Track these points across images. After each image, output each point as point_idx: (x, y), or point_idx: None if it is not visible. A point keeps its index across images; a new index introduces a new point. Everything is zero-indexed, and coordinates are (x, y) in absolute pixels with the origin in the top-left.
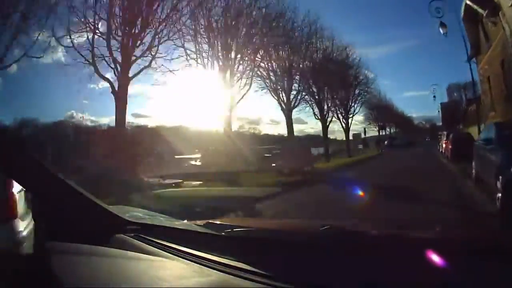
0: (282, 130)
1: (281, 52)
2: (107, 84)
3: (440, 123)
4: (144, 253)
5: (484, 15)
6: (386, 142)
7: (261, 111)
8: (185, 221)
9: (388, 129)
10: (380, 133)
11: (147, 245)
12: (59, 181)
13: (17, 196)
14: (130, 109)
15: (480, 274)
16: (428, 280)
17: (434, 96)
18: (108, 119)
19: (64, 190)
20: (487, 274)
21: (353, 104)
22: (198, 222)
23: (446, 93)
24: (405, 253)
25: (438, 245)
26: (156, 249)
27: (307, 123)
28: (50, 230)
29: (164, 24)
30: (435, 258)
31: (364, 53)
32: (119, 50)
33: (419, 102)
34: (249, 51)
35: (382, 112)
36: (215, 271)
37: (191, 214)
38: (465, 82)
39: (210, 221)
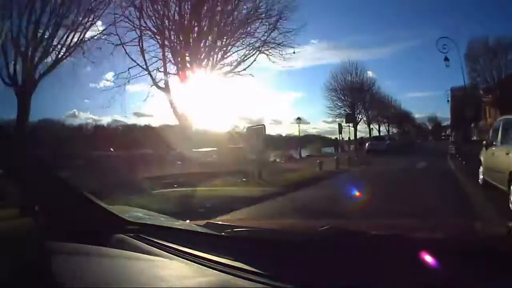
0: (284, 129)
1: None
2: (108, 84)
3: (447, 123)
4: (144, 253)
5: None
6: (366, 146)
7: (264, 111)
8: (186, 221)
9: (376, 126)
10: (357, 131)
11: (147, 245)
12: (59, 181)
13: None
14: (132, 107)
15: (481, 276)
16: (428, 281)
17: (447, 59)
18: (110, 118)
19: (64, 190)
20: (487, 276)
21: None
22: (198, 222)
23: (464, 62)
24: (405, 253)
25: (438, 246)
26: (156, 249)
27: (310, 123)
28: (50, 230)
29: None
30: (436, 259)
31: (368, 53)
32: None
33: (422, 102)
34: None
35: (357, 96)
36: (215, 271)
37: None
38: (500, 36)
39: (210, 221)
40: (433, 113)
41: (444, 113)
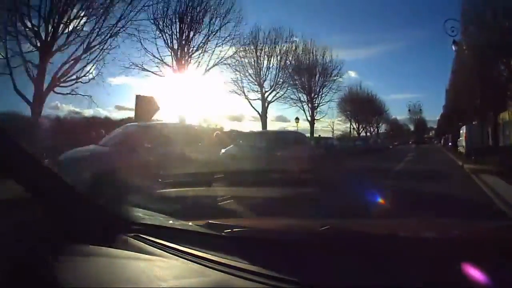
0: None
1: None
2: (90, 76)
3: (432, 125)
4: (144, 253)
5: None
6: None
7: (244, 108)
8: (185, 221)
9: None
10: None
11: (147, 245)
12: (59, 181)
13: None
14: (114, 101)
15: (481, 275)
16: (428, 280)
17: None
18: (92, 111)
19: (64, 190)
20: (488, 276)
21: None
22: (198, 222)
23: None
24: (406, 253)
25: (438, 245)
26: (156, 249)
27: (290, 121)
28: (51, 230)
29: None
30: (435, 258)
31: (351, 53)
32: None
33: (406, 105)
34: None
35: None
36: (215, 271)
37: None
38: None
39: (210, 221)
40: (417, 103)
41: (429, 116)
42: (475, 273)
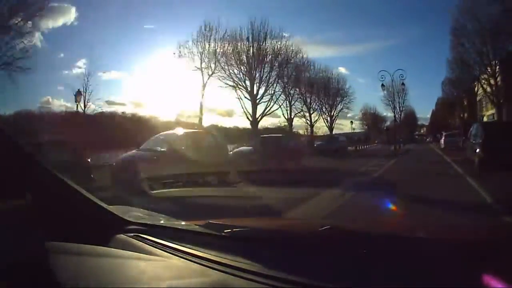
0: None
1: None
2: (81, 70)
3: (424, 122)
4: (144, 253)
5: None
6: None
7: (232, 104)
8: (185, 221)
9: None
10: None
11: (147, 245)
12: (59, 181)
13: None
14: (105, 95)
15: (481, 276)
16: (428, 281)
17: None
18: (82, 105)
19: (64, 190)
20: (487, 276)
21: None
22: (198, 222)
23: None
24: (406, 253)
25: (439, 246)
26: (156, 249)
27: (280, 116)
28: (50, 230)
29: None
30: (436, 259)
31: (342, 50)
32: None
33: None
34: None
35: None
36: (215, 271)
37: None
38: None
39: (210, 221)
40: (397, 71)
41: (419, 114)
42: (475, 274)
